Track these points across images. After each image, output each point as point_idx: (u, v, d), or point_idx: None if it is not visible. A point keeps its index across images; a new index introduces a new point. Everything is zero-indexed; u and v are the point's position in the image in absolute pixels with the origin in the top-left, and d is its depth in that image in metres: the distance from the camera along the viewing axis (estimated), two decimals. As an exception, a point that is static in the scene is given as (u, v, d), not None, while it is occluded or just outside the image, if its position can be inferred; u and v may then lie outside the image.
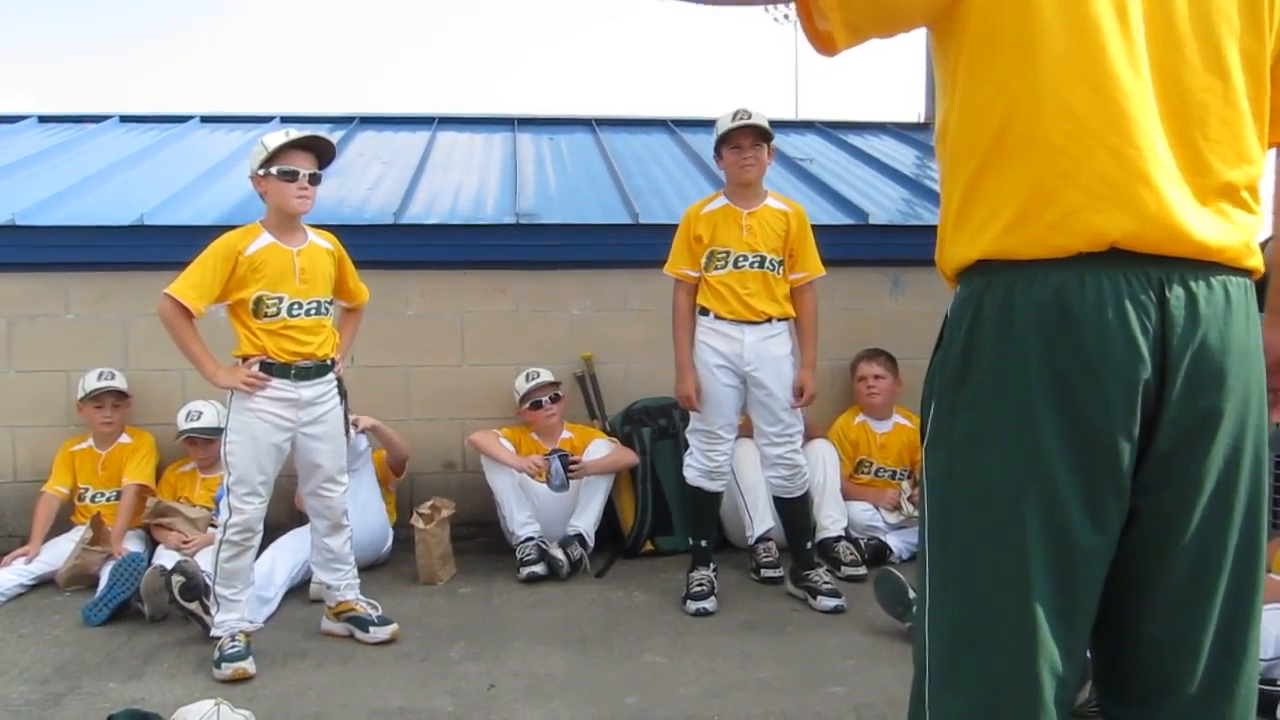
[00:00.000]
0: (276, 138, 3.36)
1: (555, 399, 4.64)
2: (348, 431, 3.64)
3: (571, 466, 4.39)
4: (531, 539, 4.38)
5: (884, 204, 5.72)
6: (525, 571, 4.26)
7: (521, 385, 4.70)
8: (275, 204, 3.40)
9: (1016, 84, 1.32)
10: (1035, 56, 1.31)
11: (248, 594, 3.47)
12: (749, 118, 3.76)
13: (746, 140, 3.78)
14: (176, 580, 3.54)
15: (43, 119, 7.66)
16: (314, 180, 3.41)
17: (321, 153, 3.45)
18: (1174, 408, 1.29)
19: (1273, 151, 1.47)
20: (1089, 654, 1.47)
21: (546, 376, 4.69)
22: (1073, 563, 1.32)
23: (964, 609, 1.38)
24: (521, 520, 4.44)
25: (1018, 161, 1.33)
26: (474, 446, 4.61)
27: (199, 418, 4.42)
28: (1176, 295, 1.28)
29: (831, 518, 4.45)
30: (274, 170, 3.34)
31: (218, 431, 3.49)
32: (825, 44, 1.41)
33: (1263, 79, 1.35)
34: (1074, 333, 1.29)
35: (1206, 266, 1.30)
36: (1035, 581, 1.31)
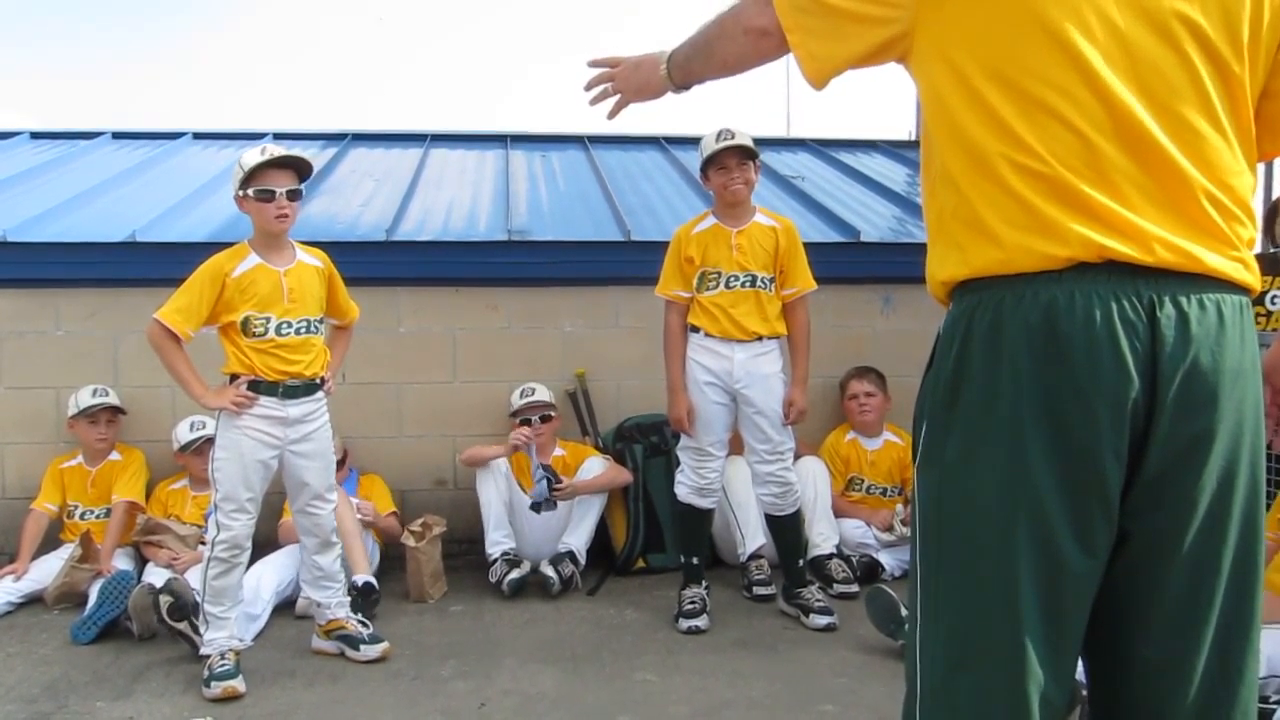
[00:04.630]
0: (253, 156, 3.35)
1: (546, 419, 4.62)
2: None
3: (556, 488, 4.33)
4: (498, 557, 4.37)
5: (875, 221, 5.74)
6: (505, 585, 4.24)
7: (515, 401, 4.69)
8: (257, 224, 3.41)
9: (989, 106, 1.34)
10: (1005, 79, 1.33)
11: (236, 612, 3.46)
12: (733, 137, 3.78)
13: (733, 160, 3.80)
14: (164, 600, 3.52)
15: (35, 135, 7.65)
16: (293, 196, 3.39)
17: (300, 168, 3.44)
18: (1164, 429, 1.29)
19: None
20: (1085, 676, 1.46)
21: (541, 396, 4.67)
22: (1061, 584, 1.31)
23: (955, 630, 1.38)
24: (495, 539, 4.44)
25: (999, 181, 1.33)
26: (465, 463, 4.60)
27: (204, 426, 4.35)
28: (1167, 315, 1.27)
29: (823, 535, 4.44)
30: (251, 191, 3.33)
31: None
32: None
33: (1242, 93, 1.34)
34: (1062, 352, 1.29)
35: (1199, 284, 1.30)
36: (1024, 603, 1.31)
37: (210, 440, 4.30)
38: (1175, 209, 1.30)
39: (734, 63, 1.66)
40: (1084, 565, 1.32)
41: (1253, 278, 1.35)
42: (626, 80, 1.91)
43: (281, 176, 3.37)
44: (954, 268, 1.40)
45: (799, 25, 1.48)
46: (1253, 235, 1.35)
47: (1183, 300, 1.28)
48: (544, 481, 4.30)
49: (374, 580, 4.06)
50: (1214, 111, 1.31)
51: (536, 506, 4.30)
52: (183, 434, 4.46)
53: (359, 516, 4.32)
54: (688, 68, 1.75)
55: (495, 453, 4.51)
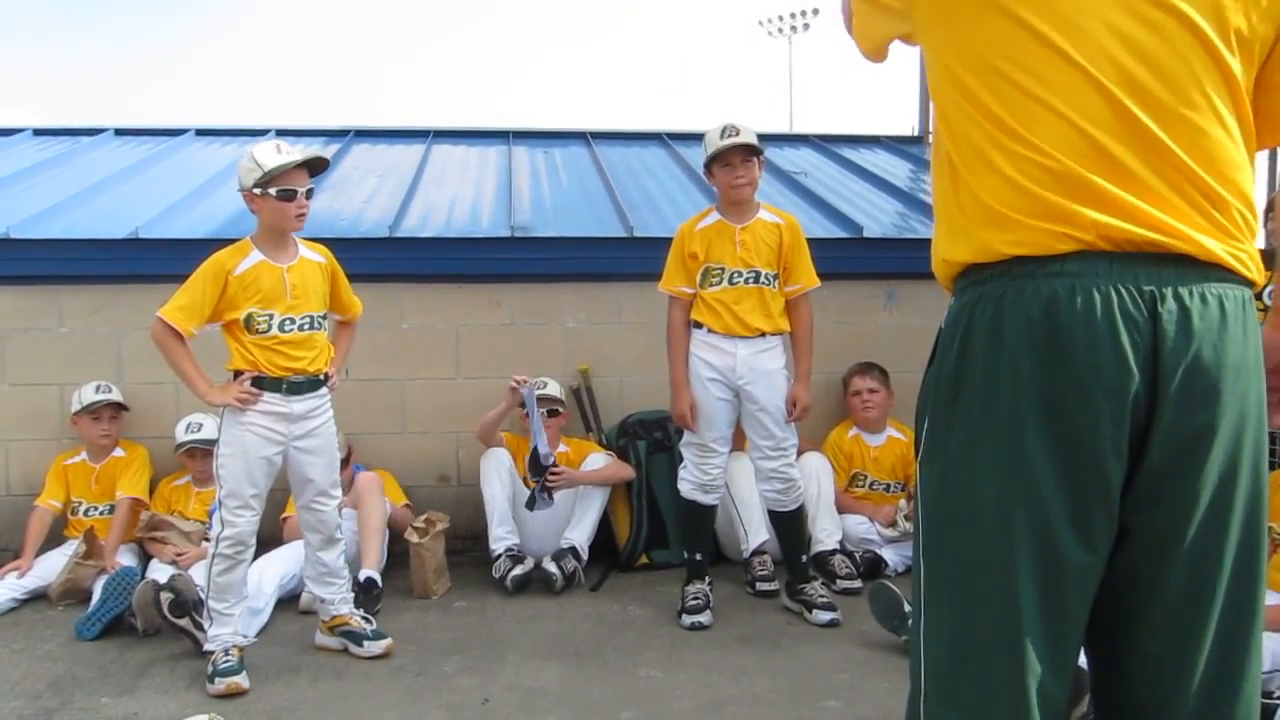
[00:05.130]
0: (270, 155, 3.33)
1: (554, 414, 4.62)
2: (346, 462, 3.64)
3: (552, 473, 4.32)
4: (501, 553, 4.36)
5: (878, 217, 5.73)
6: (509, 581, 4.24)
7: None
8: (271, 223, 3.41)
9: (982, 101, 1.35)
10: (1001, 74, 1.33)
11: (240, 608, 3.47)
12: (737, 134, 3.76)
13: (737, 157, 3.79)
14: (165, 597, 3.53)
15: (38, 132, 7.65)
16: (309, 195, 3.42)
17: (314, 166, 3.46)
18: (1166, 424, 1.28)
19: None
20: (1088, 670, 1.46)
21: (552, 390, 4.66)
22: (1062, 580, 1.31)
23: (957, 625, 1.38)
24: (498, 535, 4.42)
25: (999, 172, 1.33)
26: (478, 437, 4.60)
27: (199, 429, 4.41)
28: (1169, 309, 1.27)
29: (826, 531, 4.44)
30: (273, 191, 3.33)
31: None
32: (863, 52, 1.70)
33: (1238, 86, 1.33)
34: (1063, 347, 1.28)
35: (1202, 277, 1.29)
36: (1024, 599, 1.31)
37: (201, 445, 4.34)
38: (1177, 202, 1.29)
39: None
40: (1084, 560, 1.31)
41: (1254, 271, 1.34)
42: None
43: (301, 176, 3.39)
44: (959, 249, 1.40)
45: (859, 10, 1.63)
46: (1254, 227, 1.35)
47: (1184, 294, 1.28)
48: (549, 456, 4.29)
49: (376, 576, 4.06)
50: (1213, 104, 1.31)
51: (531, 502, 4.31)
52: (179, 434, 4.47)
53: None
54: None
55: (498, 412, 4.51)
